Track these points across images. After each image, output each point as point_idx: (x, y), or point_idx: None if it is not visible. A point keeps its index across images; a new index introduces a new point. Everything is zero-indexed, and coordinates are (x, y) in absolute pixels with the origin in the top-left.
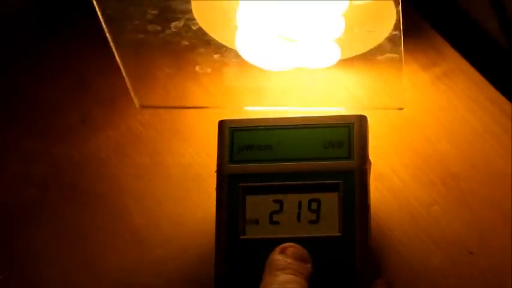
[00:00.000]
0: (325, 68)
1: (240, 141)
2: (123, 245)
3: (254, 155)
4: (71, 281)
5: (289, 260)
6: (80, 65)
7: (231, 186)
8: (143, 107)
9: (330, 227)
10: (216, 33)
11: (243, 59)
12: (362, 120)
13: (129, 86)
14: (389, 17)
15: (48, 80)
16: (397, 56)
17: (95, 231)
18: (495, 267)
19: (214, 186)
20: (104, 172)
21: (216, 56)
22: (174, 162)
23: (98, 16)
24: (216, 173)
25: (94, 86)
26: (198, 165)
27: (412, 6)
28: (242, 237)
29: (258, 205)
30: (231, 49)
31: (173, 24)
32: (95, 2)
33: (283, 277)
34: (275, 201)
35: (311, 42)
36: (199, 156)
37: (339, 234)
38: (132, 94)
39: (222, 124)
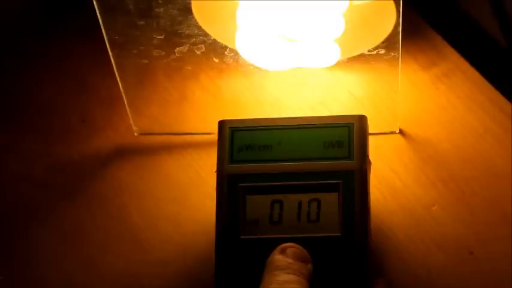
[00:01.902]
0: (325, 68)
1: (240, 141)
2: (122, 245)
3: (254, 155)
4: (71, 281)
5: (289, 260)
6: (80, 65)
7: (231, 186)
8: (142, 134)
9: (330, 227)
10: (216, 33)
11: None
12: (362, 120)
13: (129, 114)
14: (389, 17)
15: (48, 80)
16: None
17: (95, 232)
18: (495, 267)
19: (214, 186)
20: (103, 172)
21: (218, 80)
22: (174, 162)
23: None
24: (216, 173)
25: (94, 86)
26: (198, 165)
27: (411, 6)
28: (242, 237)
29: (258, 205)
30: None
31: (178, 49)
32: (103, 28)
33: (283, 277)
34: (275, 201)
35: (311, 42)
36: (199, 156)
37: (338, 234)
38: (132, 122)
39: (222, 124)
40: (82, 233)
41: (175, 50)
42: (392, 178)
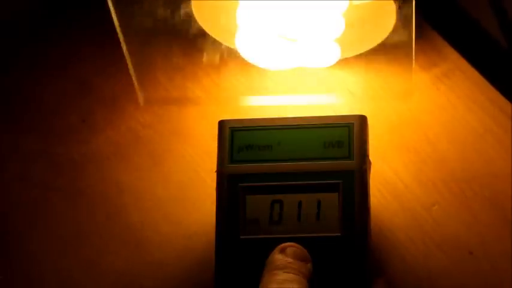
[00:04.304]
0: (325, 68)
1: (240, 141)
2: (122, 245)
3: (254, 155)
4: (70, 281)
5: (289, 260)
6: (80, 65)
7: (231, 186)
8: (148, 104)
9: (330, 227)
10: (216, 33)
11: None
12: (362, 120)
13: (134, 82)
14: (389, 17)
15: (48, 80)
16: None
17: (94, 232)
18: (495, 267)
19: (214, 186)
20: (103, 172)
21: (223, 47)
22: (173, 163)
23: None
24: (216, 173)
25: (94, 86)
26: (198, 165)
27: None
28: (242, 237)
29: (258, 205)
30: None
31: (183, 11)
32: None
33: (282, 276)
34: (275, 201)
35: (311, 42)
36: (199, 156)
37: (338, 234)
38: (137, 90)
39: (222, 124)
40: (82, 233)
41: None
42: (392, 178)
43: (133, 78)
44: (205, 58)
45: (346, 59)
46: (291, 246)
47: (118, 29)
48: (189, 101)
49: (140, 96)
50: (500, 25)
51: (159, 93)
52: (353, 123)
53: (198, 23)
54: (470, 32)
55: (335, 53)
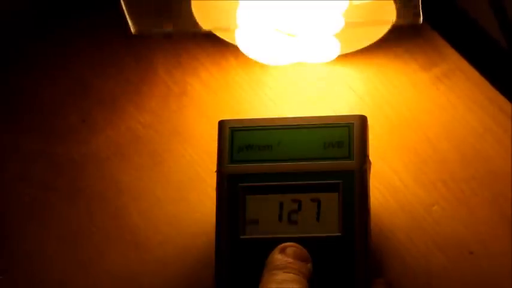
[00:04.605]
0: (325, 63)
1: (240, 141)
2: (122, 245)
3: (254, 155)
4: (70, 281)
5: (289, 260)
6: (80, 66)
7: (231, 186)
8: (139, 33)
9: (330, 227)
10: (216, 33)
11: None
12: (362, 120)
13: (125, 11)
14: (389, 16)
15: (48, 80)
16: None
17: (94, 232)
18: (495, 266)
19: (214, 186)
20: (103, 172)
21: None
22: (173, 163)
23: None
24: (216, 173)
25: (94, 86)
26: (198, 165)
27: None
28: (242, 237)
29: (258, 205)
30: None
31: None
32: None
33: (282, 276)
34: (275, 201)
35: (311, 37)
36: (199, 156)
37: (339, 234)
38: (129, 19)
39: (222, 124)
40: (81, 233)
41: None
42: (392, 178)
43: (124, 7)
44: None
45: (345, 54)
46: (291, 246)
47: None
48: (182, 33)
49: (131, 25)
50: (500, 25)
51: (149, 23)
52: (353, 123)
53: None
54: (470, 32)
55: (335, 48)
